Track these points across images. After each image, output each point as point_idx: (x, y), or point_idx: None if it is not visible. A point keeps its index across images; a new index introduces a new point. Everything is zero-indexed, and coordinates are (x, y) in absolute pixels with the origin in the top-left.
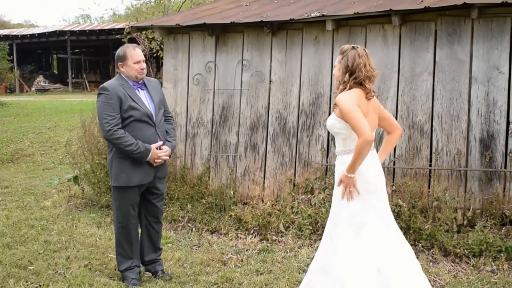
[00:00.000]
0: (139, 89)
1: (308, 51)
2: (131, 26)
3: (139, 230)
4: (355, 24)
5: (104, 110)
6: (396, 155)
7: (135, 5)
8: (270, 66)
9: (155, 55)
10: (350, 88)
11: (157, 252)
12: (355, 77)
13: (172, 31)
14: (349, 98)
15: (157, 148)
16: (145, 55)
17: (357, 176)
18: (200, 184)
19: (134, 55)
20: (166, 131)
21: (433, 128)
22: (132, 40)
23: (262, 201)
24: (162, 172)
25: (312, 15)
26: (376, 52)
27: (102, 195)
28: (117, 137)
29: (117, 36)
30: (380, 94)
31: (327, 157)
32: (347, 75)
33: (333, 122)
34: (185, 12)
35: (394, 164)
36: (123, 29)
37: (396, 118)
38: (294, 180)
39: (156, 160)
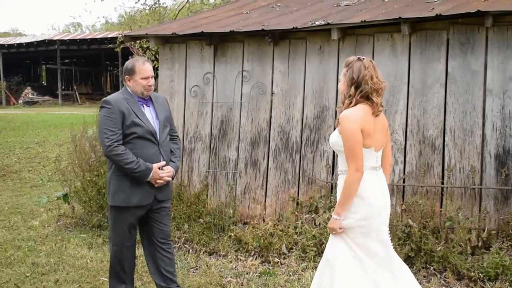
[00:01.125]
0: (144, 105)
1: (312, 62)
2: (125, 35)
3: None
4: (362, 33)
5: (105, 124)
6: (406, 172)
7: (129, 12)
8: (272, 77)
9: None
10: (356, 103)
11: (166, 282)
12: (361, 90)
13: (168, 40)
14: (354, 121)
15: (159, 168)
16: None
17: (359, 199)
18: (197, 203)
19: (142, 70)
20: (171, 151)
21: (445, 144)
22: (126, 50)
23: (264, 220)
24: (164, 194)
25: (317, 23)
26: (384, 63)
27: (94, 214)
28: (117, 154)
29: (109, 46)
30: (389, 107)
31: (333, 174)
32: (352, 88)
33: (336, 140)
34: (181, 20)
35: (404, 182)
36: (116, 38)
37: (406, 133)
38: (298, 199)
39: (157, 181)
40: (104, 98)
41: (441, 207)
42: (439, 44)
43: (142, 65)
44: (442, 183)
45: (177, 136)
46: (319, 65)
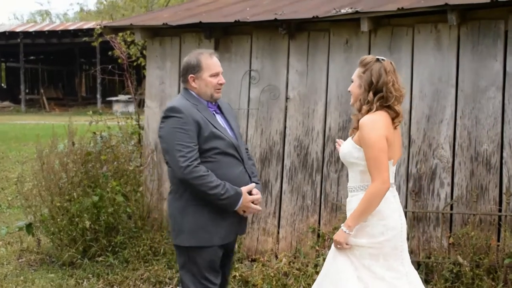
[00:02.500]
0: (214, 112)
1: (336, 59)
2: (104, 26)
3: None
4: (399, 23)
5: (178, 138)
6: (454, 197)
7: None
8: (287, 78)
9: (134, 63)
10: (375, 110)
11: None
12: (382, 96)
13: (158, 32)
14: (378, 128)
15: (248, 193)
16: (122, 64)
17: (376, 219)
18: None
19: (211, 65)
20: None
21: (503, 161)
22: (105, 44)
23: (276, 257)
24: (244, 228)
25: (343, 11)
26: (427, 61)
27: (64, 249)
28: (199, 176)
29: (85, 39)
30: (432, 115)
31: None
32: (371, 94)
33: (349, 150)
34: (175, 8)
35: (451, 209)
36: (93, 29)
37: (454, 148)
38: (319, 230)
39: (247, 209)
40: (169, 105)
41: (498, 240)
42: (495, 37)
43: (210, 59)
44: (500, 210)
45: (248, 150)
46: (345, 64)
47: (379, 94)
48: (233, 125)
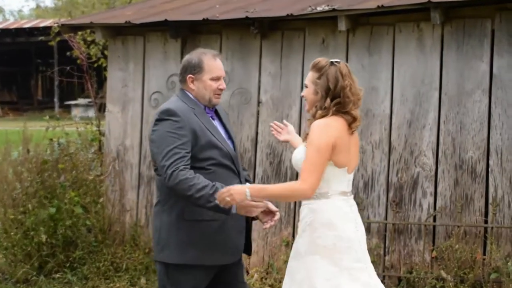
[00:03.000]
0: (211, 118)
1: (312, 60)
2: (62, 24)
3: None
4: (379, 22)
5: (169, 143)
6: (437, 207)
7: None
8: (259, 81)
9: (95, 64)
10: (331, 115)
11: None
12: (338, 102)
13: (120, 31)
14: (328, 133)
15: None
16: (81, 65)
17: (326, 229)
18: None
19: (213, 67)
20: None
21: (489, 169)
22: (64, 44)
23: (247, 273)
24: (244, 247)
25: (319, 9)
26: (409, 62)
27: (19, 265)
28: (184, 178)
29: (41, 38)
30: (415, 120)
31: None
32: (328, 100)
33: (302, 156)
34: (139, 5)
35: (434, 220)
36: (50, 28)
37: (437, 155)
38: (293, 243)
39: (248, 208)
40: (164, 107)
41: (484, 253)
42: (482, 37)
43: (212, 60)
44: (486, 221)
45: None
46: None
47: (336, 100)
48: (232, 134)
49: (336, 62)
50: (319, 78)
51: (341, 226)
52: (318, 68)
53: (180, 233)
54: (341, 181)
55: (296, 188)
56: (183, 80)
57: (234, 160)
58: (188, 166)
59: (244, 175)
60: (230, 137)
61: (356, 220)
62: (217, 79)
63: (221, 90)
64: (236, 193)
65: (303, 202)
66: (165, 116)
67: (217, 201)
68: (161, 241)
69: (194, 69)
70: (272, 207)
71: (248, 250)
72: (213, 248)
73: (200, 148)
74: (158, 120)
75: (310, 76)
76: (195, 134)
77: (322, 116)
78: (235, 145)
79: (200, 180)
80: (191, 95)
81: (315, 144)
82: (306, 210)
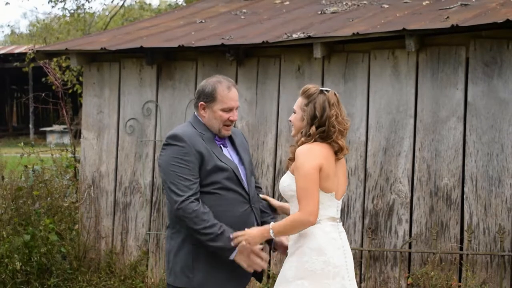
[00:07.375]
0: (221, 145)
1: (288, 87)
2: (37, 51)
3: None
4: (354, 49)
5: (177, 171)
6: (412, 234)
7: (43, 20)
8: None
9: (70, 91)
10: (314, 141)
11: None
12: (323, 131)
13: (95, 58)
14: (313, 158)
15: None
16: (56, 92)
17: (315, 254)
18: (134, 276)
19: (226, 98)
20: (261, 210)
21: (464, 196)
22: (39, 70)
23: None
24: (246, 279)
25: (294, 36)
26: (384, 89)
27: None
28: (192, 211)
29: (16, 64)
30: (390, 147)
31: None
32: (313, 128)
33: (288, 183)
34: (114, 31)
35: (410, 247)
36: (25, 54)
37: (412, 182)
38: (269, 270)
39: (248, 262)
40: (171, 133)
41: (459, 280)
42: (456, 64)
43: (226, 91)
44: (461, 248)
45: (261, 187)
46: (297, 92)
47: (320, 128)
48: (245, 160)
49: (325, 90)
50: (306, 105)
51: (330, 252)
52: (307, 95)
53: (186, 257)
54: (329, 206)
55: (297, 219)
56: (196, 106)
57: (244, 185)
58: (198, 196)
59: (257, 204)
60: (243, 163)
61: (344, 247)
62: (229, 110)
63: (231, 121)
64: (257, 236)
65: None
66: (172, 141)
67: (227, 243)
68: (170, 264)
69: (206, 97)
70: (285, 241)
71: (259, 277)
72: (218, 274)
73: (207, 172)
74: (165, 145)
75: (298, 102)
76: (201, 159)
77: (304, 143)
78: (247, 173)
79: (210, 217)
80: (202, 121)
81: (302, 170)
82: (296, 234)
